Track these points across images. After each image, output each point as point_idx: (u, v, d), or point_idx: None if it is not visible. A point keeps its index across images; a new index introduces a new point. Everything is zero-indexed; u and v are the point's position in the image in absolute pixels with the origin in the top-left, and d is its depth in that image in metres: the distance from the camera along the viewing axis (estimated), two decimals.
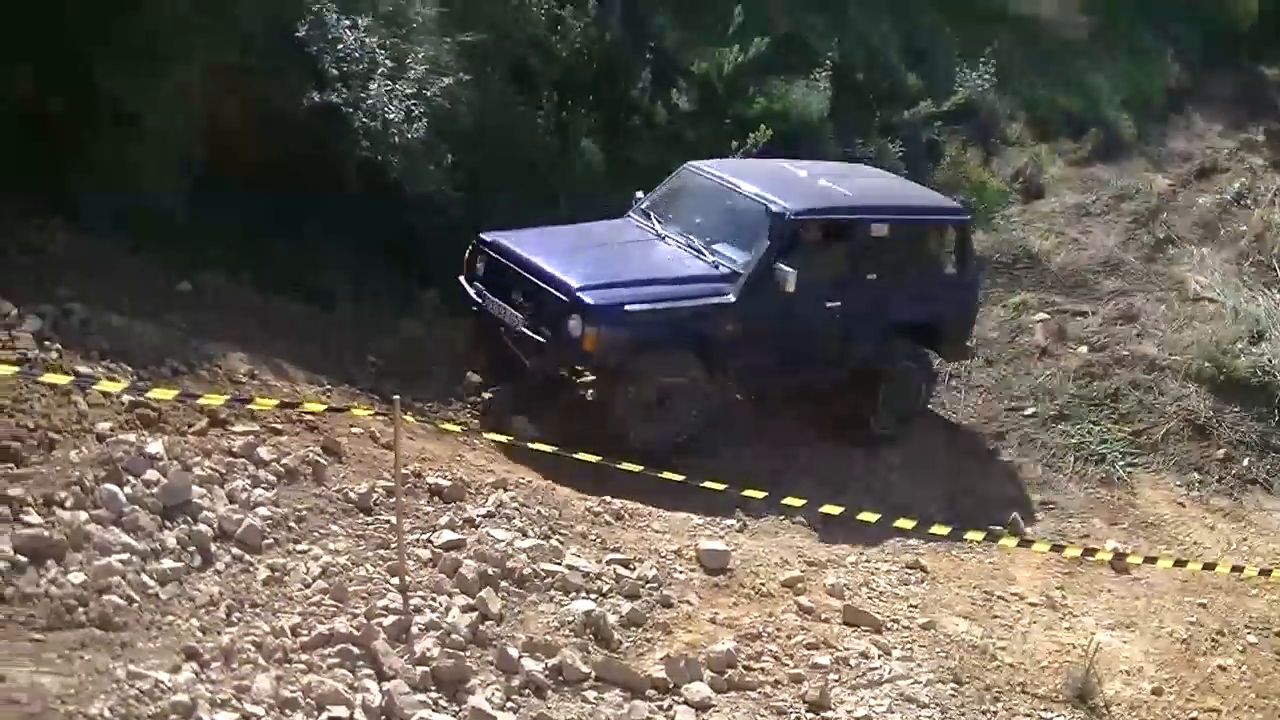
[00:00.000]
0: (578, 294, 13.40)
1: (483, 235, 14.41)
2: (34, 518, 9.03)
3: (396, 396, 9.67)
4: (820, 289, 14.66)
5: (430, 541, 10.47)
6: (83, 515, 9.22)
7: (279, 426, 11.30)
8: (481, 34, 16.25)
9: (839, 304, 14.90)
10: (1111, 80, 24.53)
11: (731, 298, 14.08)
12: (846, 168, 17.40)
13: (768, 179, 15.37)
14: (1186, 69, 25.51)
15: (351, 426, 11.60)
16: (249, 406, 11.02)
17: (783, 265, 14.11)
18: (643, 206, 15.46)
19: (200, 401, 10.75)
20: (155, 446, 10.16)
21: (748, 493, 11.15)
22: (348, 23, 14.84)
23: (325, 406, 10.53)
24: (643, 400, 13.71)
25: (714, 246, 14.59)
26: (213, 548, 9.56)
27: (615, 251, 14.71)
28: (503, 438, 11.22)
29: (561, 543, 11.02)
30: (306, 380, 12.93)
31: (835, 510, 11.74)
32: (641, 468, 11.09)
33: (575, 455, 11.12)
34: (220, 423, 11.06)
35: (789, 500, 11.33)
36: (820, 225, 14.97)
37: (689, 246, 14.67)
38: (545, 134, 16.76)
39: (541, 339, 13.60)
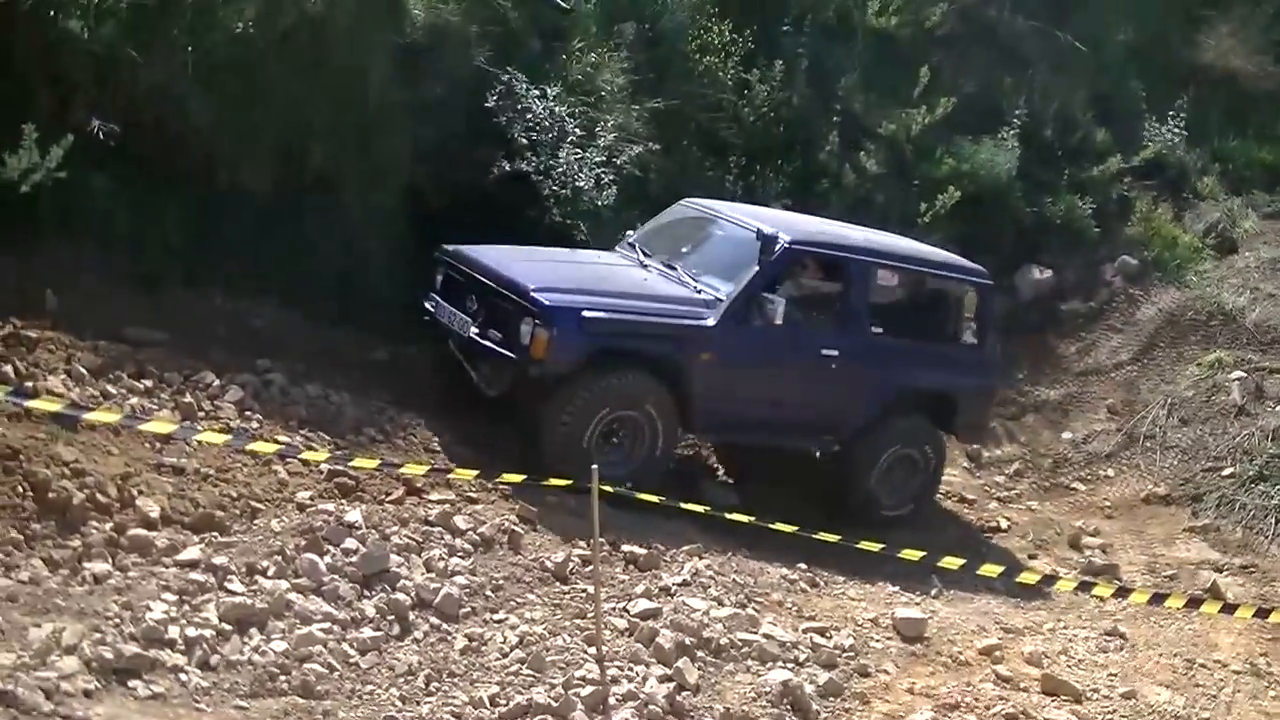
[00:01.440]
0: (532, 294, 12.27)
1: (444, 246, 13.48)
2: (238, 586, 9.24)
3: (594, 465, 9.68)
4: (817, 332, 13.75)
5: (627, 610, 10.47)
6: (284, 584, 9.40)
7: (474, 495, 11.41)
8: (670, 100, 16.40)
9: (837, 353, 13.65)
10: None
11: (710, 322, 12.88)
12: (873, 231, 15.44)
13: (770, 215, 14.47)
14: None
15: (547, 495, 11.63)
16: (447, 476, 11.15)
17: (771, 295, 13.08)
18: (630, 240, 14.44)
19: (401, 471, 10.91)
20: (354, 515, 10.34)
21: (945, 562, 11.01)
22: (536, 92, 15.04)
23: (523, 476, 10.56)
24: (590, 428, 12.37)
25: (700, 277, 13.37)
26: (411, 616, 9.67)
27: (585, 268, 13.57)
28: (699, 508, 11.16)
29: (758, 611, 10.96)
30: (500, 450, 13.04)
31: (1033, 578, 11.58)
32: (839, 537, 10.97)
33: (773, 526, 11.04)
34: (416, 491, 11.20)
35: (985, 569, 11.20)
36: (819, 259, 13.92)
37: (671, 273, 13.53)
38: (734, 198, 16.74)
39: (490, 344, 12.54)
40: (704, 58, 17.27)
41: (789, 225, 13.92)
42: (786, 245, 13.27)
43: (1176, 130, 22.11)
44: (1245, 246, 21.27)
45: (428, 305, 13.35)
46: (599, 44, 16.14)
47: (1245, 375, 17.92)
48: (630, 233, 14.67)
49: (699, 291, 13.13)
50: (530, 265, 13.05)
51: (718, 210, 14.38)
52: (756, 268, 13.10)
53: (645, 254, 13.91)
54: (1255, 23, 24.77)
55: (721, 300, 13.00)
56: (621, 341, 12.51)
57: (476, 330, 12.62)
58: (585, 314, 12.22)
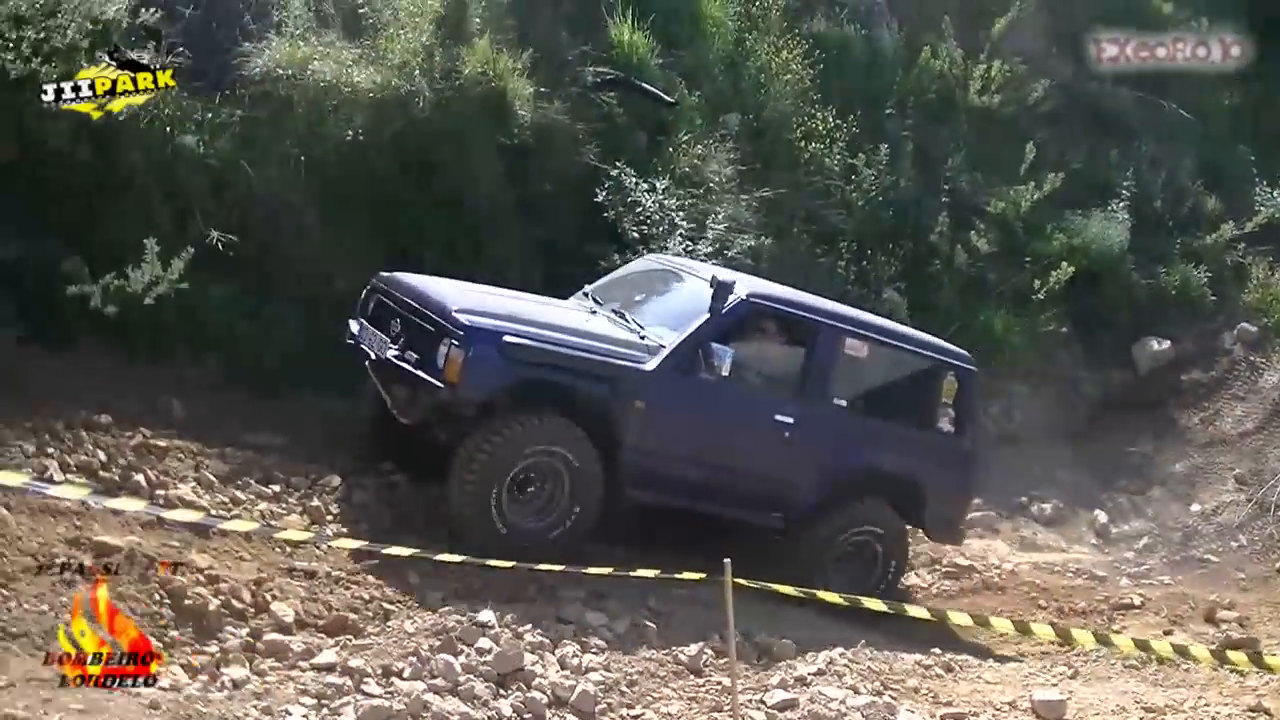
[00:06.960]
0: (453, 314, 11.32)
1: (381, 274, 12.52)
2: (374, 688, 9.14)
3: (727, 560, 9.54)
4: (771, 397, 12.64)
5: (763, 702, 10.29)
6: (420, 685, 9.28)
7: (604, 590, 11.30)
8: (778, 189, 16.41)
9: (792, 421, 12.49)
10: None
11: (649, 366, 11.86)
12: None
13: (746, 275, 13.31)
14: None
15: (673, 588, 11.53)
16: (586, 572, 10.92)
17: (719, 346, 11.90)
18: (585, 290, 13.44)
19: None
20: (486, 614, 10.25)
21: (1078, 636, 10.87)
22: (645, 186, 15.06)
23: (656, 572, 10.39)
24: (505, 471, 11.33)
25: (649, 325, 12.36)
26: (548, 715, 9.51)
27: (523, 303, 12.36)
28: (834, 598, 10.90)
29: (894, 698, 10.77)
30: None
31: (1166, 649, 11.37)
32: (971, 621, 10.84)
33: (910, 612, 10.88)
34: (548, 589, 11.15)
35: (1119, 640, 11.04)
36: (778, 316, 12.77)
37: (619, 320, 12.51)
38: (847, 284, 16.75)
39: (405, 365, 11.51)
40: (809, 145, 17.32)
41: (752, 279, 13.14)
42: (743, 298, 12.28)
43: None
44: None
45: (352, 327, 12.39)
46: (704, 136, 16.20)
47: None
48: (588, 284, 13.71)
49: (643, 338, 12.16)
50: (463, 292, 12.04)
51: (681, 264, 13.67)
52: (707, 315, 12.04)
53: (597, 302, 13.06)
54: None
55: (665, 346, 12.07)
56: (544, 373, 11.49)
57: (395, 352, 11.60)
58: (506, 339, 11.27)
